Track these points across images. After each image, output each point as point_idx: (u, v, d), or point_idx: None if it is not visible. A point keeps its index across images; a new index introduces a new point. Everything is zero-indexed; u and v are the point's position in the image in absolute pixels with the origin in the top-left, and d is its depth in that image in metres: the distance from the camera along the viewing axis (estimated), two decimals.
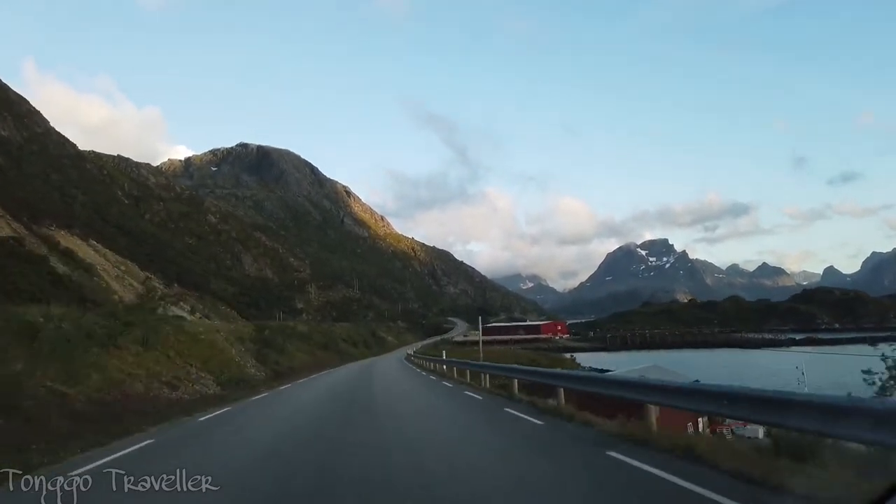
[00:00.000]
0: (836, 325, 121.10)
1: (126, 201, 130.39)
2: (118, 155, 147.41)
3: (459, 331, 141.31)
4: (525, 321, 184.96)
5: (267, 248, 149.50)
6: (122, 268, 68.13)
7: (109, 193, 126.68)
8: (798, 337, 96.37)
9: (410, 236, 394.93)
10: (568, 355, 65.48)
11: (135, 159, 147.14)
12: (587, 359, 65.51)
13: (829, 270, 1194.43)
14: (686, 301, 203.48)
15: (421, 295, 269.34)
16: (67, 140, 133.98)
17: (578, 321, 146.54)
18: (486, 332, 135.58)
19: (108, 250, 70.91)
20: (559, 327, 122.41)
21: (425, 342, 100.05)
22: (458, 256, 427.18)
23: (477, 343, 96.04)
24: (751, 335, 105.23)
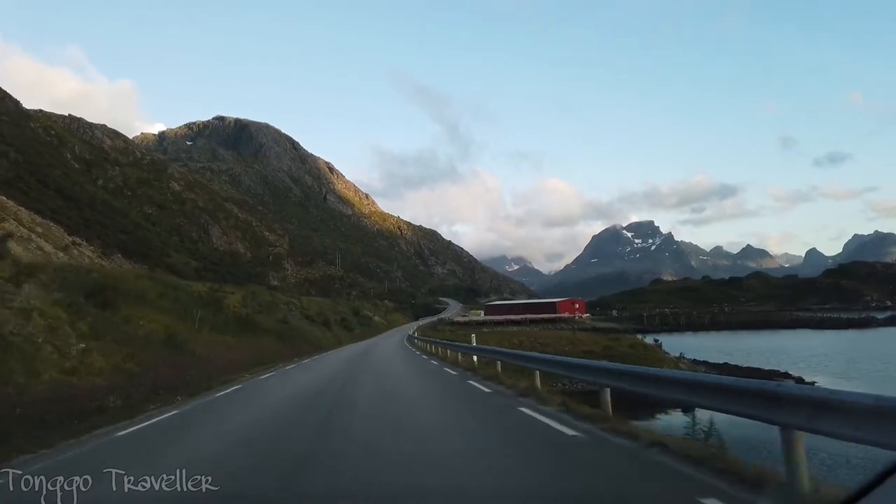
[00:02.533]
0: (888, 303, 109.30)
1: (76, 165, 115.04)
2: (69, 115, 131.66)
3: (453, 311, 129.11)
4: (512, 299, 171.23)
5: (239, 221, 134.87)
6: (39, 230, 54.06)
7: (56, 155, 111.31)
8: (881, 316, 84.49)
9: (396, 215, 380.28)
10: (654, 340, 50.57)
11: (88, 119, 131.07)
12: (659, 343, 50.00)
13: (812, 252, 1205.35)
14: (700, 279, 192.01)
15: (408, 275, 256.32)
16: (8, 95, 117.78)
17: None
18: (491, 310, 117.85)
19: (21, 209, 56.66)
20: (577, 305, 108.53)
21: (420, 322, 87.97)
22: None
23: (483, 323, 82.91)
24: (821, 314, 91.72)
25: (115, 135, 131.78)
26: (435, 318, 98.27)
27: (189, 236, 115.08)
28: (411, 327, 74.19)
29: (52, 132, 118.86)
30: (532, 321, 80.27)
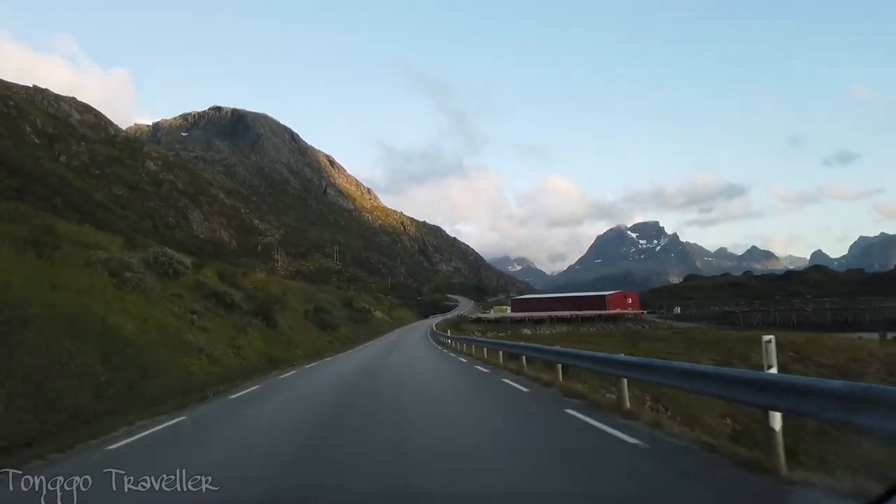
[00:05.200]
0: None
1: (36, 139, 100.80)
2: (34, 86, 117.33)
3: (465, 308, 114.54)
4: (511, 295, 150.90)
5: (225, 207, 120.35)
6: None
7: (12, 127, 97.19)
8: None
9: (399, 211, 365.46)
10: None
11: (53, 90, 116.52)
12: None
13: (817, 254, 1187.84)
14: (741, 275, 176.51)
15: (412, 272, 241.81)
16: None
17: None
18: (520, 306, 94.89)
19: None
20: (629, 300, 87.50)
21: (435, 320, 73.57)
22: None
23: (521, 321, 66.93)
24: None
25: (85, 108, 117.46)
26: (452, 315, 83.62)
27: (164, 221, 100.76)
28: (427, 326, 59.11)
29: (11, 103, 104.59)
30: (584, 319, 64.67)
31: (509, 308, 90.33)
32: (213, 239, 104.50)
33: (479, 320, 66.69)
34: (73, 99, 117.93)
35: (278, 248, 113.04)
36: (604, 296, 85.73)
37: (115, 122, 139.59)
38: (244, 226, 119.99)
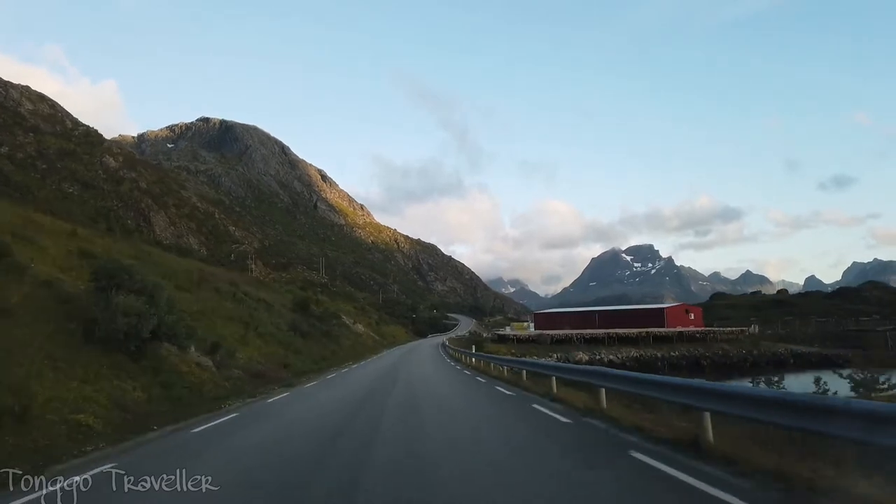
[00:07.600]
0: None
1: None
2: None
3: (467, 327, 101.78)
4: (517, 318, 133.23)
5: (196, 211, 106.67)
6: None
7: None
8: None
9: (393, 228, 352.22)
10: None
11: (5, 78, 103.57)
12: None
13: (811, 280, 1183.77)
14: (776, 293, 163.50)
15: (406, 290, 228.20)
16: None
17: None
18: (548, 322, 78.16)
19: None
20: (692, 315, 72.43)
21: (441, 338, 60.41)
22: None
23: (567, 340, 50.28)
24: None
25: (40, 98, 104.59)
26: (460, 333, 70.62)
27: (122, 224, 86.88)
28: (434, 347, 44.86)
29: None
30: (658, 338, 49.99)
31: (532, 325, 75.24)
32: (178, 245, 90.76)
33: (503, 339, 51.94)
34: (27, 87, 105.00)
35: (254, 257, 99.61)
36: (661, 309, 69.37)
37: (105, 134, 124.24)
38: (217, 232, 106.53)
